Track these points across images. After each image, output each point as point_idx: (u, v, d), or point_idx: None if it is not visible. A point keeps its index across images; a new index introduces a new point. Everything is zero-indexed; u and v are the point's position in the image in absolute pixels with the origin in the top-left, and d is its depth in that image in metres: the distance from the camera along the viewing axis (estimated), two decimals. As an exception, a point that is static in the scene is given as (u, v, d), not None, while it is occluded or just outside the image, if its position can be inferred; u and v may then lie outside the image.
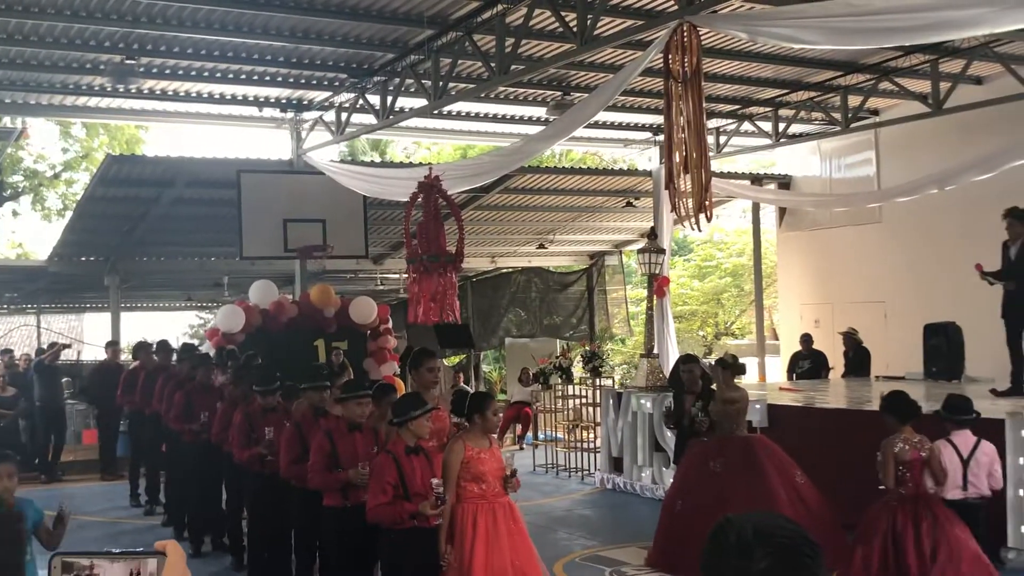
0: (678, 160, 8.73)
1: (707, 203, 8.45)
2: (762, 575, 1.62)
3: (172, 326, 26.92)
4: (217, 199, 15.94)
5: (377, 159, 26.61)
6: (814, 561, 1.66)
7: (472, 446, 6.37)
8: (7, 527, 5.75)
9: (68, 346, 18.19)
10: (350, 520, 6.74)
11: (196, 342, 17.55)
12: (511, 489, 6.46)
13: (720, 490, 8.51)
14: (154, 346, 13.43)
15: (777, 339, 22.54)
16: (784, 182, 20.26)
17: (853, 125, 16.35)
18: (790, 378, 16.30)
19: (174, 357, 12.94)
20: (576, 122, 11.04)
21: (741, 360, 10.31)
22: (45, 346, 18.32)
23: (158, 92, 14.18)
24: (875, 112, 17.53)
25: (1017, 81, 13.76)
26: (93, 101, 14.47)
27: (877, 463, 7.21)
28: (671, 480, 10.53)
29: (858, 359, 15.79)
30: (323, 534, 7.16)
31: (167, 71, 13.37)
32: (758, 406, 11.29)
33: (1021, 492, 8.74)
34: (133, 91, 13.61)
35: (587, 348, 16.33)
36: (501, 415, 9.76)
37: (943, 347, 14.42)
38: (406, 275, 18.42)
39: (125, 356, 17.96)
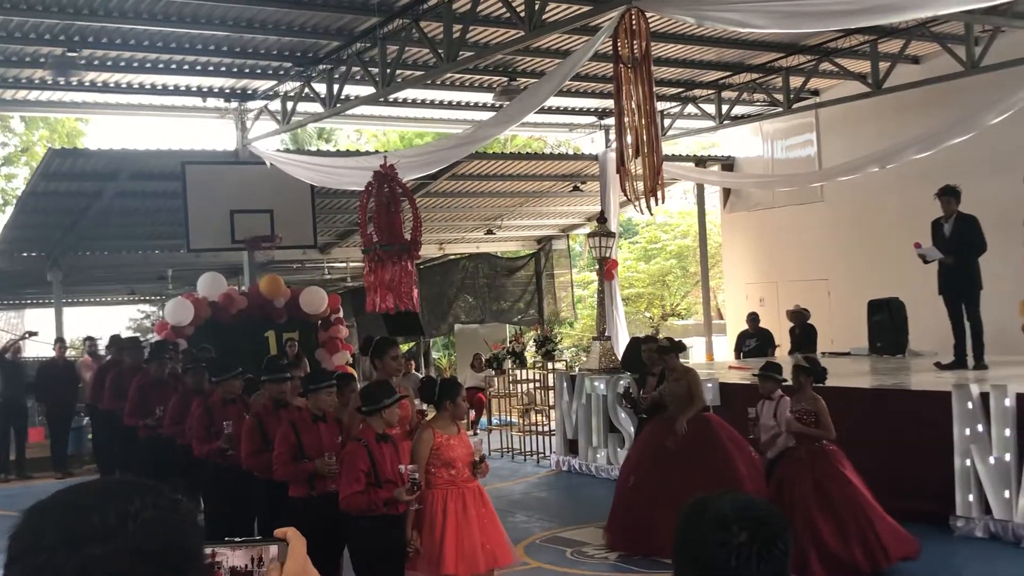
0: (629, 142, 8.82)
1: (659, 186, 8.56)
2: (740, 548, 1.69)
3: (115, 320, 26.53)
4: (161, 191, 15.76)
5: (324, 148, 26.43)
6: (784, 532, 1.75)
7: (441, 433, 6.45)
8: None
9: (35, 333, 17.77)
10: (316, 510, 6.76)
11: (141, 336, 17.37)
12: (480, 474, 6.55)
13: (680, 468, 8.65)
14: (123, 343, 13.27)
15: (723, 319, 22.83)
16: (728, 163, 20.51)
17: (795, 106, 16.60)
18: (737, 357, 16.54)
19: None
20: (528, 107, 11.09)
21: (687, 341, 10.55)
22: None
23: (100, 84, 13.95)
24: (816, 93, 17.81)
25: (954, 60, 14.06)
26: (33, 94, 14.21)
27: (809, 421, 7.86)
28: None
29: (804, 336, 16.07)
30: (289, 525, 7.15)
31: (108, 63, 13.16)
32: (709, 385, 11.45)
33: (968, 462, 8.99)
34: (74, 84, 13.40)
35: (540, 333, 16.43)
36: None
37: (887, 322, 14.75)
38: (356, 264, 18.42)
39: (71, 352, 17.71)
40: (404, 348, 22.29)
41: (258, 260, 16.19)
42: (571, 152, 21.41)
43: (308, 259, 19.97)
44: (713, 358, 19.47)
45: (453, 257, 23.13)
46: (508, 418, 17.71)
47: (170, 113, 15.76)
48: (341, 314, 15.97)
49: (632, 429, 12.31)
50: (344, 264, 21.26)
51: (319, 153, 19.85)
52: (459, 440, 6.51)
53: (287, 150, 19.18)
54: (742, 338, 16.94)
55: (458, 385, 6.79)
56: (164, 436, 9.96)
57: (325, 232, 18.75)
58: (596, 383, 13.26)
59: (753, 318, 16.87)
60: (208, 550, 1.47)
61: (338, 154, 18.01)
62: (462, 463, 6.43)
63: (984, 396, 8.98)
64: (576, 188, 19.76)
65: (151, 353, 11.85)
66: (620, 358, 14.13)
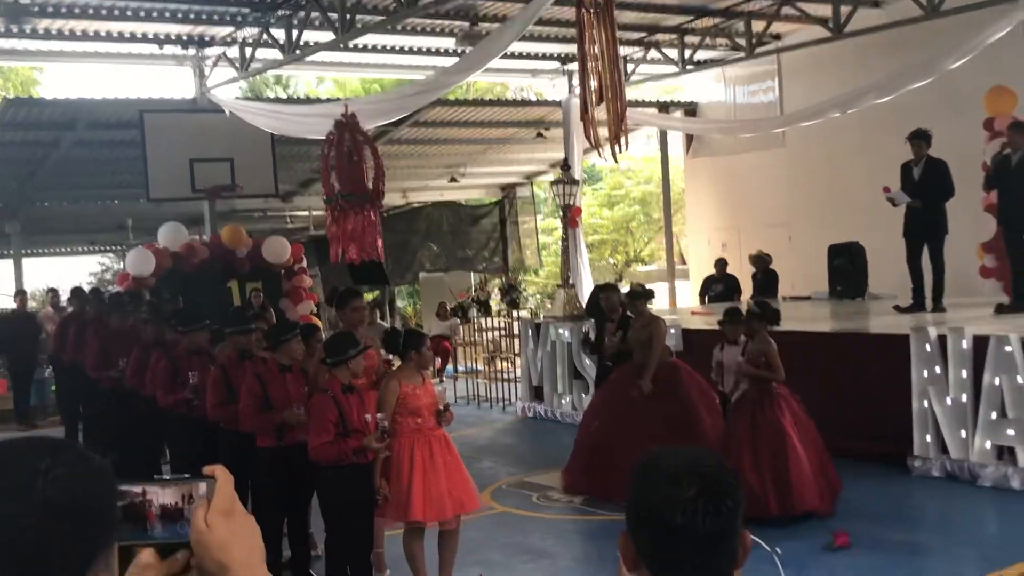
0: (593, 88, 8.80)
1: (622, 133, 8.56)
2: (688, 503, 1.72)
3: (76, 271, 26.25)
4: (120, 140, 15.54)
5: (282, 95, 26.10)
6: (736, 489, 1.78)
7: (407, 382, 6.48)
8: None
9: None
10: (284, 460, 6.79)
11: (103, 287, 17.23)
12: (444, 422, 6.61)
13: (643, 414, 8.75)
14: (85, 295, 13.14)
15: (685, 264, 22.96)
16: (690, 109, 20.50)
17: (757, 51, 16.60)
18: (703, 301, 16.67)
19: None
20: (491, 53, 11.02)
21: (650, 286, 10.62)
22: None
23: (54, 32, 13.65)
24: (778, 37, 17.79)
25: (914, 4, 14.08)
26: (-15, 43, 13.93)
27: (760, 364, 8.01)
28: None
29: (766, 281, 16.21)
30: (256, 476, 7.18)
31: (63, 10, 12.88)
32: (672, 331, 11.56)
33: (925, 404, 9.15)
34: (28, 32, 13.12)
35: (504, 281, 16.47)
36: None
37: (847, 266, 14.90)
38: (318, 212, 18.29)
39: (32, 304, 17.54)
40: (369, 297, 22.26)
41: (219, 209, 16.06)
42: (534, 98, 21.29)
43: (270, 208, 19.83)
44: (676, 304, 19.60)
45: (417, 205, 23.04)
46: (474, 366, 17.79)
47: (127, 61, 15.50)
48: (304, 263, 15.90)
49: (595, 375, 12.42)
50: (306, 213, 21.11)
51: (279, 101, 19.64)
52: (424, 389, 6.56)
53: (245, 98, 18.92)
54: (708, 283, 17.05)
55: (422, 335, 6.83)
56: (128, 388, 9.91)
57: (286, 180, 18.58)
58: (561, 330, 13.34)
59: (721, 263, 16.96)
60: (138, 488, 1.49)
61: (298, 101, 17.84)
62: (428, 412, 6.48)
63: (942, 339, 9.13)
64: (540, 135, 19.70)
65: (112, 304, 11.76)
66: (584, 305, 14.20)
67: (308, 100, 18.60)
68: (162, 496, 1.50)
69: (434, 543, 6.66)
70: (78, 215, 18.76)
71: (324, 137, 10.70)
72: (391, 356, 7.29)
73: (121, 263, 21.06)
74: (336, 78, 29.08)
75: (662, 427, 8.43)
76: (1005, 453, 8.79)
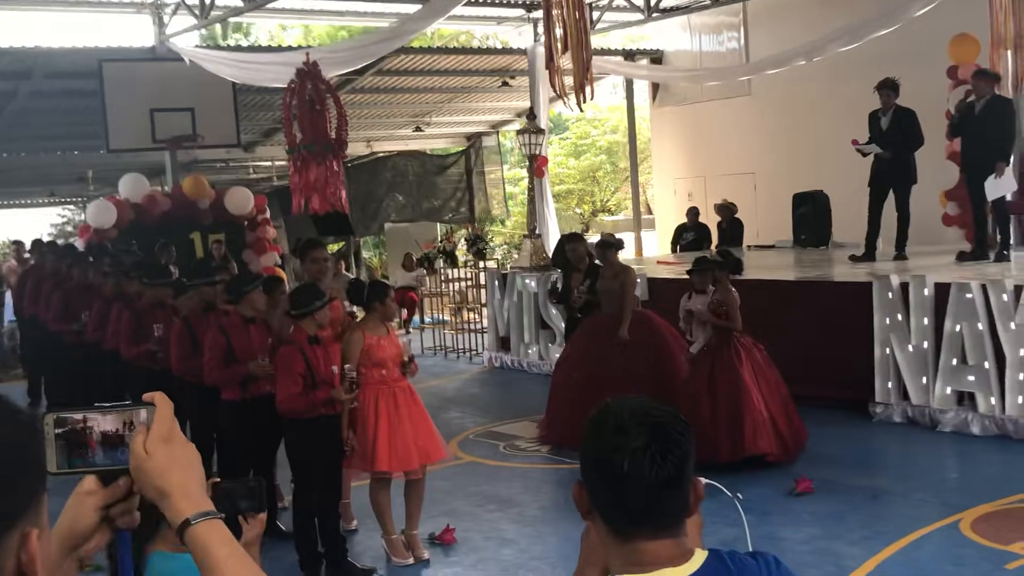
0: (559, 36, 8.72)
1: (588, 82, 8.51)
2: (635, 452, 1.74)
3: (36, 224, 25.94)
4: (78, 90, 15.25)
5: (242, 42, 25.68)
6: (685, 438, 1.79)
7: (371, 334, 6.47)
8: None
9: None
10: (249, 413, 6.77)
11: (64, 239, 17.03)
12: (410, 374, 6.60)
13: (621, 363, 8.78)
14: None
15: (651, 214, 22.97)
16: (656, 57, 20.37)
17: (723, -3, 16.49)
18: (674, 250, 16.73)
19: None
20: (455, 0, 10.86)
21: (618, 236, 10.61)
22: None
23: (6, -23, 13.38)
24: (744, -16, 17.68)
25: (880, -49, 14.01)
26: (-65, -11, 13.60)
27: (722, 313, 8.11)
28: (557, 356, 10.81)
29: (732, 230, 16.27)
30: (222, 429, 7.16)
31: (15, -45, 12.61)
32: (639, 280, 11.58)
33: (887, 351, 9.26)
34: (-21, -23, 12.82)
35: (471, 231, 16.41)
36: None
37: (811, 215, 14.97)
38: (281, 163, 18.13)
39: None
40: (334, 248, 22.13)
41: (181, 160, 15.86)
42: (499, 46, 21.09)
43: (232, 158, 19.61)
44: (642, 253, 19.64)
45: (382, 155, 22.83)
46: (440, 317, 17.79)
47: (84, 8, 15.23)
48: (268, 214, 15.77)
49: (563, 325, 12.44)
50: (269, 163, 20.89)
51: (240, 49, 19.28)
52: (389, 340, 6.55)
53: (206, 46, 18.59)
54: (680, 231, 17.07)
55: (386, 287, 6.81)
56: (90, 342, 9.82)
57: (249, 131, 18.37)
58: (527, 280, 13.34)
59: (693, 212, 16.93)
60: (79, 415, 1.49)
61: (260, 49, 17.54)
62: (392, 363, 6.47)
63: (904, 286, 9.22)
64: (505, 83, 19.54)
65: (74, 257, 11.61)
66: (551, 255, 14.20)
67: (270, 48, 18.31)
68: (103, 423, 1.51)
69: (401, 493, 6.68)
70: (37, 166, 18.47)
71: (286, 86, 10.56)
72: (355, 308, 7.26)
73: (82, 215, 20.79)
74: (304, 25, 28.65)
75: (640, 375, 8.49)
76: (965, 399, 8.93)
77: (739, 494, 3.28)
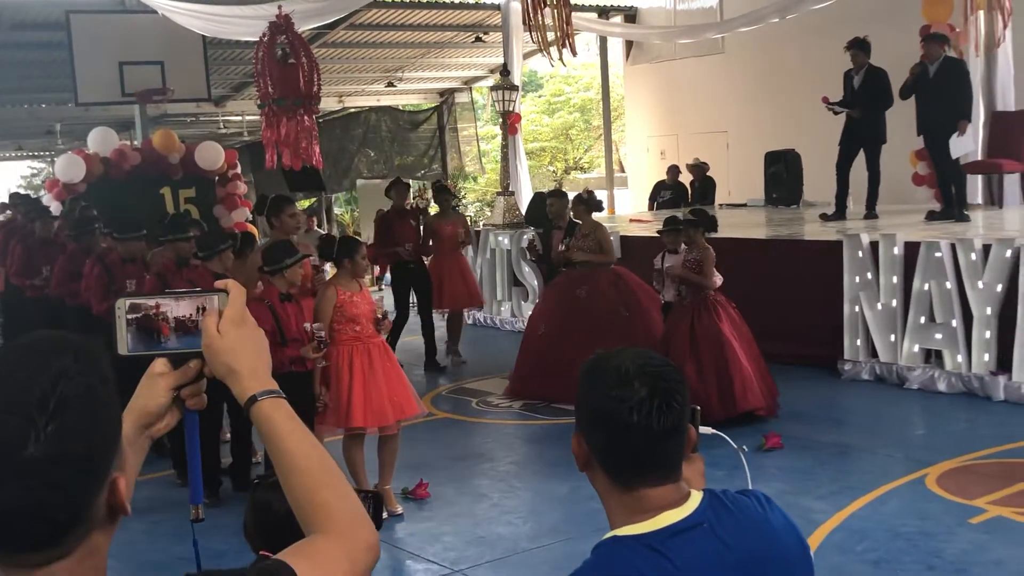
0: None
1: (569, 36, 8.46)
2: (641, 403, 1.78)
3: (4, 176, 25.62)
4: (46, 42, 15.01)
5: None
6: (683, 385, 1.85)
7: (343, 290, 6.45)
8: None
9: None
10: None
11: (32, 193, 16.82)
12: (383, 331, 6.61)
13: (591, 316, 8.82)
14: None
15: (624, 172, 22.97)
16: (630, 14, 20.27)
17: (698, -45, 16.39)
18: (651, 207, 16.77)
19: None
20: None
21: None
22: None
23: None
24: (719, -59, 17.60)
25: (856, -91, 13.96)
26: None
27: (697, 271, 8.11)
28: (530, 312, 10.84)
29: (704, 188, 16.32)
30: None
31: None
32: (612, 238, 11.60)
33: (856, 309, 9.35)
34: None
35: (436, 182, 16.36)
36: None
37: (783, 174, 15.03)
38: (252, 117, 17.95)
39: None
40: (305, 204, 22.02)
41: (150, 114, 15.65)
42: (473, 1, 20.91)
43: (202, 112, 19.40)
44: (615, 211, 19.66)
45: (354, 110, 22.67)
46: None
47: (49, -42, 14.88)
48: (239, 170, 15.61)
49: (536, 283, 12.47)
50: (240, 118, 20.69)
51: (211, 1, 19.01)
52: (362, 297, 6.54)
53: (177, -2, 18.28)
54: (657, 189, 17.10)
55: (357, 243, 6.78)
56: (52, 296, 9.73)
57: (219, 84, 18.17)
58: (500, 238, 13.34)
59: (673, 170, 16.94)
60: (152, 302, 1.53)
61: (231, 1, 17.29)
62: (366, 319, 6.47)
63: (874, 245, 9.29)
64: (478, 39, 19.39)
65: (37, 211, 11.48)
66: (524, 213, 14.19)
67: (241, 0, 18.03)
68: (176, 309, 1.54)
69: (374, 449, 6.71)
70: (4, 120, 18.22)
71: (257, 39, 10.44)
72: (326, 266, 7.24)
73: (51, 168, 20.55)
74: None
75: (610, 328, 8.53)
76: (932, 356, 9.03)
77: (744, 447, 3.47)
